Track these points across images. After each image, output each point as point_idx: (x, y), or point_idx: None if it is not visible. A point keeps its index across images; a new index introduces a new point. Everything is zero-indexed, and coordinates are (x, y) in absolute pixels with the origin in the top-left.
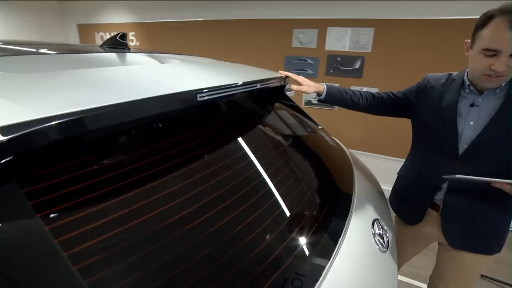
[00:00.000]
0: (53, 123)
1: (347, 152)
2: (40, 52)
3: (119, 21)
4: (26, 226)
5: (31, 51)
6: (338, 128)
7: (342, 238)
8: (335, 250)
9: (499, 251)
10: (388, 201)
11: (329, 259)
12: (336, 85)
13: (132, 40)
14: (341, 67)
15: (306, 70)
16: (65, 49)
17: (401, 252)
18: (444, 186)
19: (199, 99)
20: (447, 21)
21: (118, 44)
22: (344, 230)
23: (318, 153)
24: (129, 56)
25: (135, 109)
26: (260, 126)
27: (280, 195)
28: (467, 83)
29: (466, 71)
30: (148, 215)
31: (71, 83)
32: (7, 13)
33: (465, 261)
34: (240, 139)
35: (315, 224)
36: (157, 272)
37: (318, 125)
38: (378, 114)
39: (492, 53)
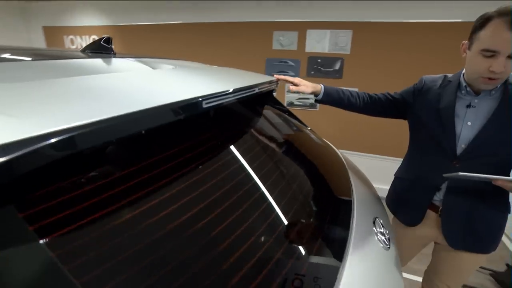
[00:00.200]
0: (52, 140)
1: (339, 154)
2: (16, 58)
3: (91, 24)
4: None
5: (6, 57)
6: (321, 128)
7: (349, 240)
8: (345, 252)
9: (495, 249)
10: (384, 202)
11: (341, 261)
12: None
13: None
14: (322, 68)
15: (287, 72)
16: (42, 55)
17: (399, 255)
18: (443, 186)
19: (204, 106)
20: (421, 23)
21: (102, 48)
22: (350, 231)
23: (314, 157)
24: (118, 62)
25: (143, 120)
26: (254, 131)
27: (287, 202)
28: (464, 84)
29: (462, 73)
30: (146, 221)
31: (65, 94)
32: None
33: (463, 260)
34: (240, 146)
35: (323, 229)
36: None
37: (307, 126)
38: (375, 115)
39: (491, 54)
